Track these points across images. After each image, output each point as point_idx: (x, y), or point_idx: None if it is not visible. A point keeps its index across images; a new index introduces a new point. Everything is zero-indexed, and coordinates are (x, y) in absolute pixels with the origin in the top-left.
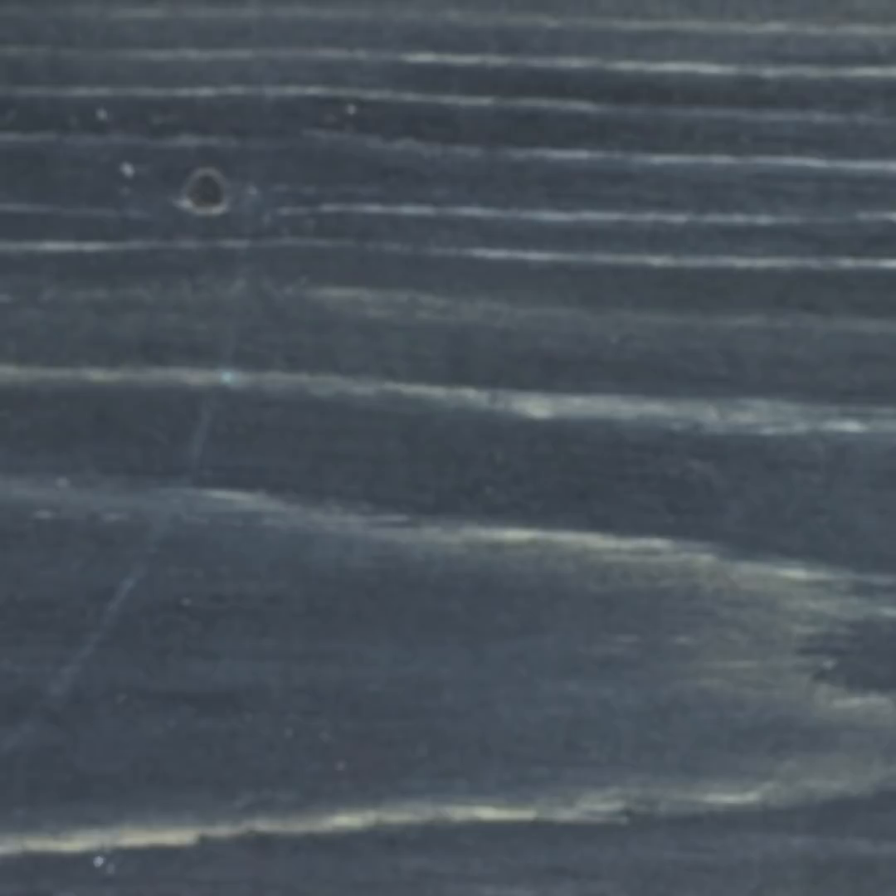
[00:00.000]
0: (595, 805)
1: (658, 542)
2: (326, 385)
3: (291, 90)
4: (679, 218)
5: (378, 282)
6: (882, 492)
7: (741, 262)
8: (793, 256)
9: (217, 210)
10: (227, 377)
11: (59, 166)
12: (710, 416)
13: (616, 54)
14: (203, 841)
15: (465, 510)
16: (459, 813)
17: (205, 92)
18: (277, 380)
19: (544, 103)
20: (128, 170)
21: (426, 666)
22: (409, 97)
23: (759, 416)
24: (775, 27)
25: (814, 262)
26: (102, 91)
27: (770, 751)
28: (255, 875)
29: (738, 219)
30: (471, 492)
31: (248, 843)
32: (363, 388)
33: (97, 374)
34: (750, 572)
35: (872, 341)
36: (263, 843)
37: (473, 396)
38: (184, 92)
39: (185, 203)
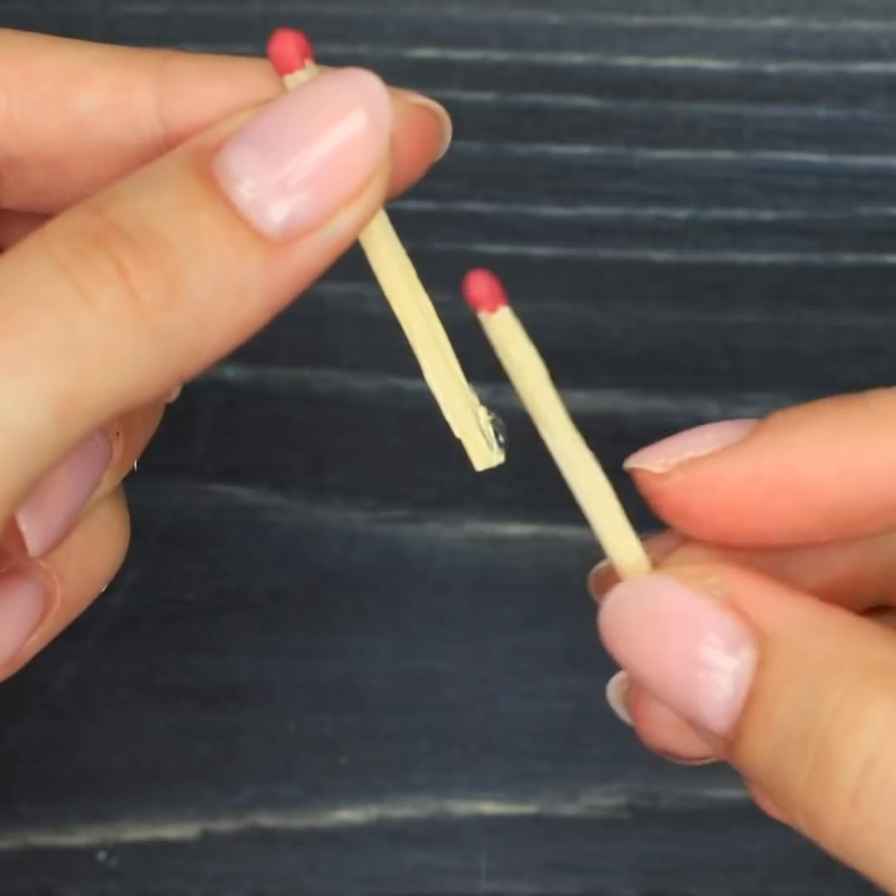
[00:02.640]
0: (597, 799)
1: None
2: (328, 380)
3: None
4: (681, 213)
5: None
6: None
7: (743, 257)
8: (794, 251)
9: None
10: (229, 372)
11: None
12: (712, 410)
13: (618, 49)
14: (205, 835)
15: (467, 505)
16: (462, 807)
17: None
18: (279, 374)
19: (546, 98)
20: None
21: (428, 660)
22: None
23: (761, 410)
24: (777, 22)
25: (816, 257)
26: None
27: None
28: (257, 869)
29: (741, 213)
30: (472, 486)
31: (251, 838)
32: (365, 383)
33: None
34: None
35: (874, 335)
36: (266, 837)
37: (475, 391)
38: None
39: None
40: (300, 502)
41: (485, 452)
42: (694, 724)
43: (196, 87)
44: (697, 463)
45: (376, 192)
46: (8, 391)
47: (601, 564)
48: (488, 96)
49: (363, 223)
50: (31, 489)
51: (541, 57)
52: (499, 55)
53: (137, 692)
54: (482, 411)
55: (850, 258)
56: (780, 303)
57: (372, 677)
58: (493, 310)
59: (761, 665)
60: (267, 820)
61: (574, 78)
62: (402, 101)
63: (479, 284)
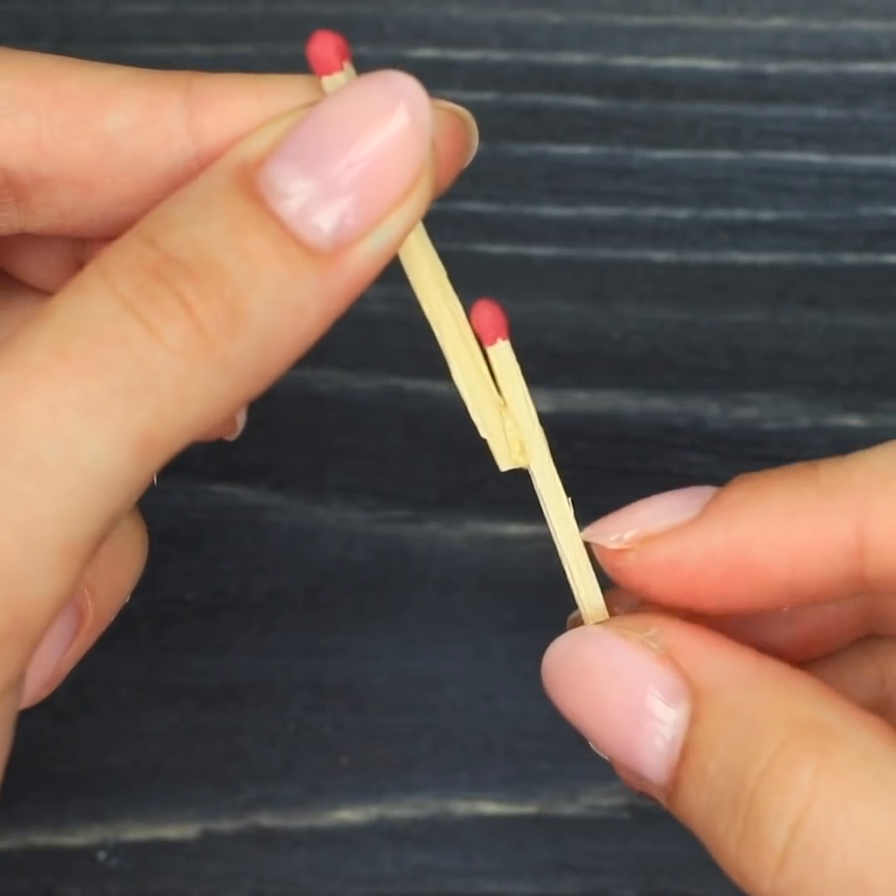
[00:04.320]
0: (598, 799)
1: None
2: (328, 380)
3: None
4: (681, 213)
5: (380, 277)
6: None
7: (743, 257)
8: (795, 251)
9: None
10: None
11: None
12: (712, 410)
13: (618, 49)
14: (205, 835)
15: (468, 505)
16: (462, 807)
17: None
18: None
19: (546, 98)
20: None
21: (429, 660)
22: None
23: (761, 410)
24: (777, 22)
25: (816, 257)
26: None
27: None
28: (257, 869)
29: (741, 213)
30: (473, 486)
31: (251, 838)
32: (365, 383)
33: None
34: None
35: (874, 336)
36: (266, 837)
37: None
38: None
39: None
40: (300, 502)
41: (509, 453)
42: (634, 773)
43: (225, 102)
44: (651, 543)
45: (423, 193)
46: (89, 433)
47: (576, 612)
48: (488, 96)
49: (412, 226)
50: (113, 528)
51: (541, 57)
52: (499, 55)
53: (137, 692)
54: (507, 412)
55: (850, 258)
56: (780, 303)
57: (372, 677)
58: (491, 342)
59: (694, 719)
60: (267, 820)
61: (574, 78)
62: (434, 107)
63: (482, 315)
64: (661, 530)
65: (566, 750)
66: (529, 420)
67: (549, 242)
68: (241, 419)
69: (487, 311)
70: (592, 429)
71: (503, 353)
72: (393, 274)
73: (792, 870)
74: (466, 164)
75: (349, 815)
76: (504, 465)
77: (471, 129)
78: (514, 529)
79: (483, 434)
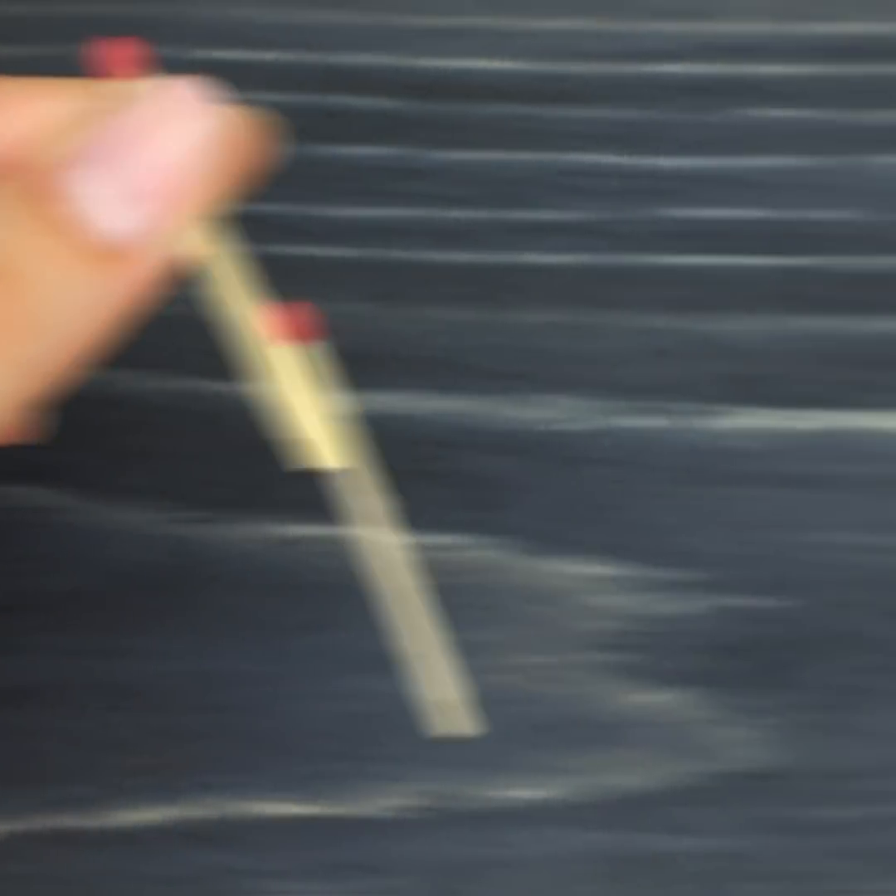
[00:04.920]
0: (393, 800)
1: (454, 538)
2: (124, 381)
3: None
4: (480, 214)
5: (176, 278)
6: (677, 487)
7: (542, 259)
8: (594, 252)
9: None
10: None
11: None
12: (506, 411)
13: (417, 51)
14: (10, 836)
15: (261, 506)
16: (257, 808)
17: None
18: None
19: (345, 99)
20: None
21: (224, 661)
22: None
23: (556, 411)
24: (577, 23)
25: (615, 258)
26: None
27: (566, 746)
28: (57, 870)
29: (540, 215)
30: (266, 488)
31: (51, 839)
32: (161, 384)
33: None
34: (546, 568)
35: (667, 337)
36: (65, 838)
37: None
38: None
39: None
40: (96, 503)
41: (315, 453)
42: None
43: (16, 105)
44: None
45: (214, 196)
46: None
47: None
48: (287, 97)
49: (203, 228)
50: None
51: (339, 58)
52: (297, 56)
53: None
54: (312, 413)
55: (649, 259)
56: (575, 304)
57: (168, 677)
58: (294, 343)
59: None
60: (67, 821)
61: (373, 79)
62: (229, 112)
63: (285, 318)
64: None
65: (363, 750)
66: (333, 420)
67: (346, 243)
68: (41, 421)
69: (290, 313)
70: (387, 429)
71: (305, 354)
72: (189, 275)
73: None
74: (265, 169)
75: (147, 815)
76: (310, 465)
77: (268, 135)
78: (307, 530)
79: (289, 435)
